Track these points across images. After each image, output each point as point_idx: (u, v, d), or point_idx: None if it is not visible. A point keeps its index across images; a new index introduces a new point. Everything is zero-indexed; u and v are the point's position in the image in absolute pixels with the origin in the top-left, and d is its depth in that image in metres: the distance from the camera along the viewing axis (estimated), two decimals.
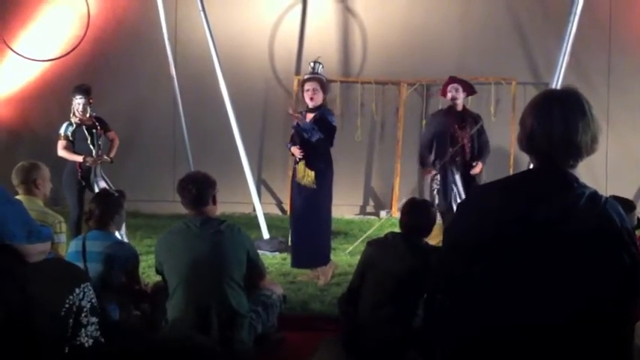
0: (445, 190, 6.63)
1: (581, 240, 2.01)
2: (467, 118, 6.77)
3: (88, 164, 6.60)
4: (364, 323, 4.05)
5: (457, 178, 6.63)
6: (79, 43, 8.82)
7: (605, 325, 2.04)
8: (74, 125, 6.67)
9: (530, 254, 2.04)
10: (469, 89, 6.85)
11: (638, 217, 4.44)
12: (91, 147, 6.64)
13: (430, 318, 2.90)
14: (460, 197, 6.47)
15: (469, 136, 6.69)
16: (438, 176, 6.67)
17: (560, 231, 2.02)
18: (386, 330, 3.93)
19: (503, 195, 2.13)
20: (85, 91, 6.70)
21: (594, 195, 2.09)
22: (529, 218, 2.05)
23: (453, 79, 6.82)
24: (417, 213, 4.22)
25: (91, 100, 6.72)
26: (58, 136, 6.69)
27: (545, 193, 2.08)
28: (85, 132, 6.65)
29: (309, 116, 6.07)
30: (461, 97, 6.73)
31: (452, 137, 6.67)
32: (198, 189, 4.14)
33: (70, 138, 6.65)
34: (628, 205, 4.29)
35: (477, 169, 6.69)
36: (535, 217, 2.04)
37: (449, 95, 6.74)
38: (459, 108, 6.75)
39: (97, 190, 6.53)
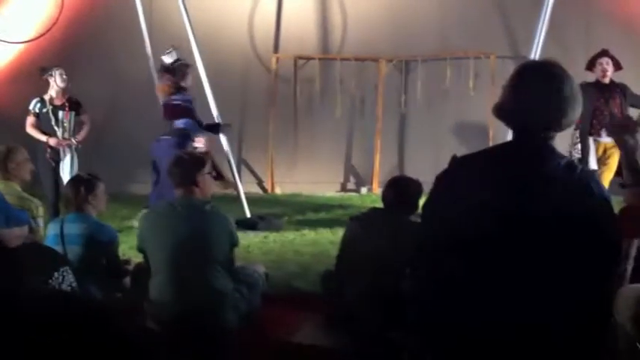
0: (585, 158, 6.76)
1: (561, 214, 2.00)
2: (614, 89, 6.87)
3: (52, 144, 6.64)
4: (350, 302, 4.05)
5: (592, 149, 6.83)
6: (54, 24, 8.66)
7: (588, 298, 2.03)
8: (44, 104, 6.74)
9: (513, 234, 2.02)
10: (617, 65, 6.98)
11: None
12: (56, 128, 6.68)
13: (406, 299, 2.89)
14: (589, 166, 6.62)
15: (619, 106, 6.81)
16: (579, 145, 6.78)
17: (542, 207, 2.00)
18: (371, 308, 3.94)
19: (484, 172, 2.11)
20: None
21: (570, 165, 2.08)
22: (511, 198, 2.03)
23: (606, 53, 6.90)
24: (399, 187, 4.20)
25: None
26: (27, 112, 6.76)
27: (525, 168, 2.06)
28: (51, 113, 6.70)
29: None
30: (610, 70, 6.86)
31: (596, 109, 6.78)
32: (183, 168, 4.14)
33: (39, 115, 6.73)
34: None
35: None
36: (517, 195, 2.02)
37: (599, 68, 6.82)
38: (607, 81, 6.86)
39: (62, 171, 6.66)
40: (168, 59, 6.89)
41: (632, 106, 6.94)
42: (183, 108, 6.76)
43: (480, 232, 2.04)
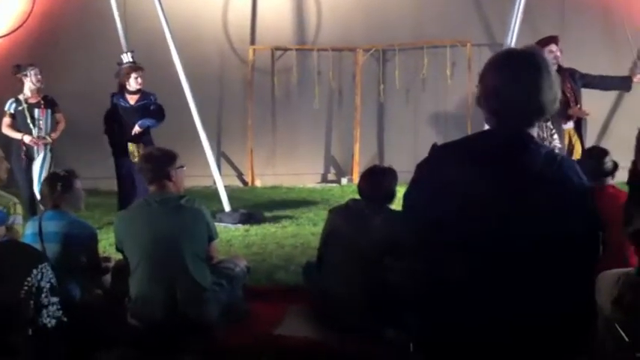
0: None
1: (543, 206, 1.98)
2: (564, 74, 6.72)
3: (27, 142, 6.61)
4: (332, 293, 4.06)
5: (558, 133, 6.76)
6: (27, 18, 8.57)
7: (575, 288, 2.02)
8: (19, 103, 6.68)
9: (496, 227, 1.99)
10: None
11: (614, 161, 4.39)
12: (31, 126, 6.65)
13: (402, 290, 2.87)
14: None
15: (571, 90, 6.79)
16: (556, 135, 6.67)
17: (524, 199, 1.98)
18: (353, 299, 3.94)
19: (465, 163, 2.07)
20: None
21: (550, 154, 2.06)
22: (493, 190, 2.00)
23: (555, 40, 6.82)
24: (374, 178, 4.21)
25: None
26: (3, 113, 6.72)
27: (506, 159, 2.03)
28: (26, 111, 6.65)
29: (134, 97, 6.94)
30: (560, 57, 6.80)
31: None
32: (154, 164, 4.11)
33: (15, 115, 6.69)
34: (602, 152, 4.37)
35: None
36: (499, 188, 2.00)
37: (551, 55, 6.60)
38: (556, 68, 6.67)
39: (35, 168, 6.65)
40: (123, 59, 7.05)
41: (585, 86, 6.96)
42: None
43: (462, 225, 2.02)
